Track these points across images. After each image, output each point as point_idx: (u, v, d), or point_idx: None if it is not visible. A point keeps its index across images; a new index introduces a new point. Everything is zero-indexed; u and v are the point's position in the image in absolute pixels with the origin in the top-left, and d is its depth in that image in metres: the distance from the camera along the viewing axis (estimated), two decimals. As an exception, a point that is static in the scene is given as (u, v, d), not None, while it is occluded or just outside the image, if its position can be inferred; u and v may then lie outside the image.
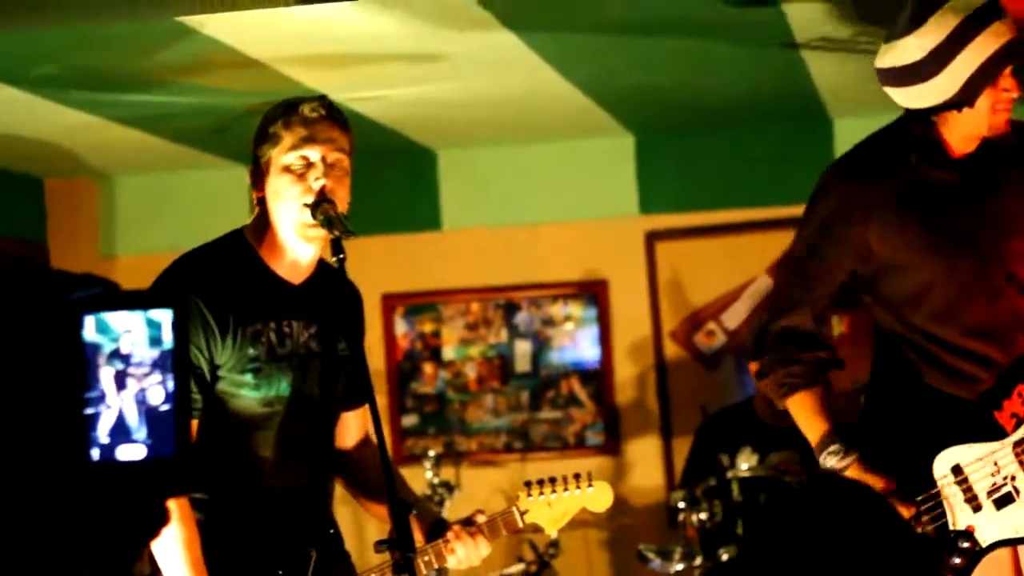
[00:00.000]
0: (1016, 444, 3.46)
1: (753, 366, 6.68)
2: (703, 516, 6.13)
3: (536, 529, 3.69)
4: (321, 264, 3.51)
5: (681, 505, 6.16)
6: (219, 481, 3.46)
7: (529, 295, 7.78)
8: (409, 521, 3.25)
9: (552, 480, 3.67)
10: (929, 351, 3.55)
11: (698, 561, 6.12)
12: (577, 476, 3.69)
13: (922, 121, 3.54)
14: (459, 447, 7.65)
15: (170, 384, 1.86)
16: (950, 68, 3.42)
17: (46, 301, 1.73)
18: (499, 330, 7.80)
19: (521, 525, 3.63)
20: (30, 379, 1.66)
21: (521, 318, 7.79)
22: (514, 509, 3.61)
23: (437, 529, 3.57)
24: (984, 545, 3.45)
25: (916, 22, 3.46)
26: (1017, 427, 3.47)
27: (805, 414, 3.66)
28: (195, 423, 3.31)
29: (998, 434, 3.49)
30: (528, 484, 3.67)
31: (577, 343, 7.75)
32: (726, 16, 5.18)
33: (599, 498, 3.71)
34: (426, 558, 3.48)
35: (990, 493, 3.47)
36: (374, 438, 3.75)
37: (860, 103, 7.08)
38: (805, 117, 7.41)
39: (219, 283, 3.45)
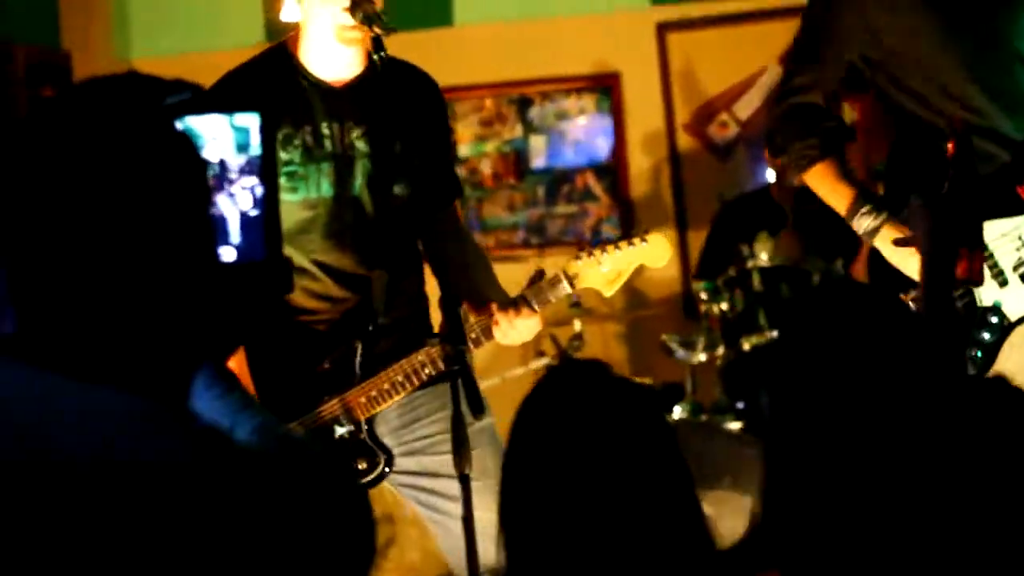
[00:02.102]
0: (1042, 216, 3.49)
1: (773, 160, 6.71)
2: (724, 306, 6.18)
3: (588, 294, 3.57)
4: (381, 61, 3.43)
5: (703, 296, 6.21)
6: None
7: (542, 89, 7.74)
8: (459, 315, 3.25)
9: (608, 240, 3.53)
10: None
11: (720, 350, 6.19)
12: (631, 232, 3.56)
13: None
14: (479, 245, 7.67)
15: (259, 190, 1.88)
16: None
17: (150, 107, 1.73)
18: (513, 126, 7.78)
19: (570, 290, 3.51)
20: (157, 184, 1.67)
21: (535, 113, 7.77)
22: (561, 274, 3.50)
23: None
24: (1012, 319, 3.49)
25: None
26: (1042, 200, 3.50)
27: (828, 183, 3.65)
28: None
29: (1021, 208, 3.51)
30: (579, 246, 3.53)
31: (591, 137, 7.74)
32: None
33: (655, 252, 3.54)
34: (473, 335, 3.46)
35: (1016, 267, 3.50)
36: (465, 237, 3.75)
37: None
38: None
39: (253, 91, 3.45)
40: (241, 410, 1.87)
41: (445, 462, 3.36)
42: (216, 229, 1.79)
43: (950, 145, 3.12)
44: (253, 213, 1.87)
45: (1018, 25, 3.54)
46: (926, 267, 3.54)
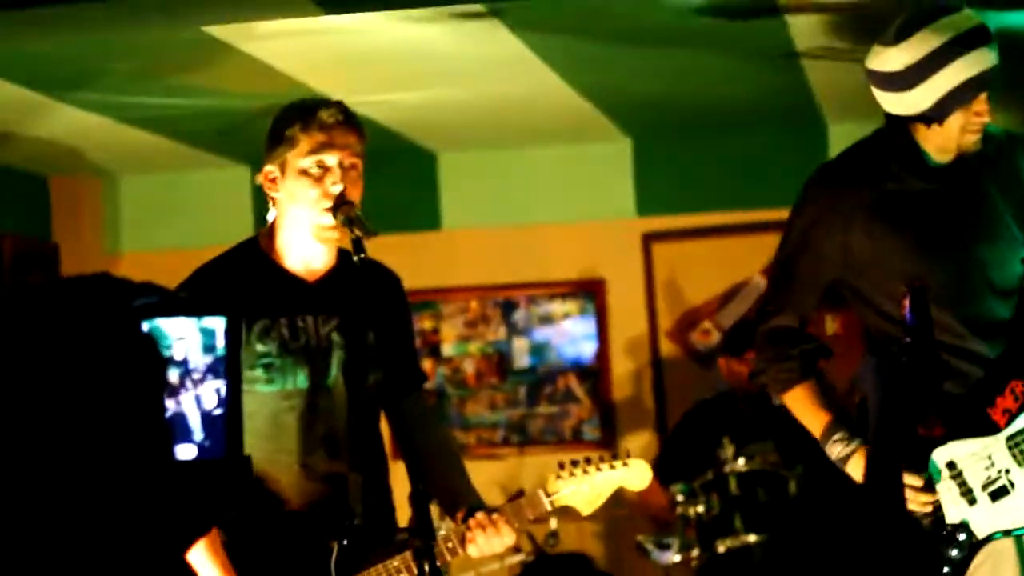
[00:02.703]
0: (1009, 438, 3.56)
1: (722, 361, 6.84)
2: (700, 509, 6.24)
3: (567, 512, 3.57)
4: (347, 259, 3.51)
5: (679, 498, 6.26)
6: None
7: (528, 293, 7.90)
8: (428, 508, 3.24)
9: (587, 460, 3.54)
10: None
11: (695, 552, 6.24)
12: (614, 454, 3.59)
13: (899, 128, 3.65)
14: (458, 441, 7.74)
15: (223, 389, 1.97)
16: (926, 84, 3.51)
17: (116, 308, 1.82)
18: (498, 327, 7.91)
19: (549, 508, 3.54)
20: (116, 380, 1.75)
21: (519, 316, 7.90)
22: (540, 492, 3.52)
23: (471, 515, 3.51)
24: (980, 537, 3.54)
25: (903, 35, 3.56)
26: (1009, 422, 3.57)
27: (804, 406, 3.73)
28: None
29: (991, 429, 3.57)
30: (561, 465, 3.54)
31: (575, 341, 7.87)
32: (730, 27, 5.27)
33: (636, 476, 3.57)
34: (449, 544, 3.48)
35: (985, 486, 3.56)
36: (435, 427, 3.80)
37: (855, 108, 7.16)
38: (800, 122, 7.52)
39: (228, 285, 3.54)
40: None
41: None
42: (176, 426, 1.88)
43: (905, 301, 3.20)
44: (216, 412, 1.95)
45: (992, 255, 3.66)
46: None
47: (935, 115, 3.55)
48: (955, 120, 3.56)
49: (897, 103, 3.59)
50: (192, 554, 3.40)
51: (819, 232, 3.67)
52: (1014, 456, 3.55)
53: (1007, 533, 3.54)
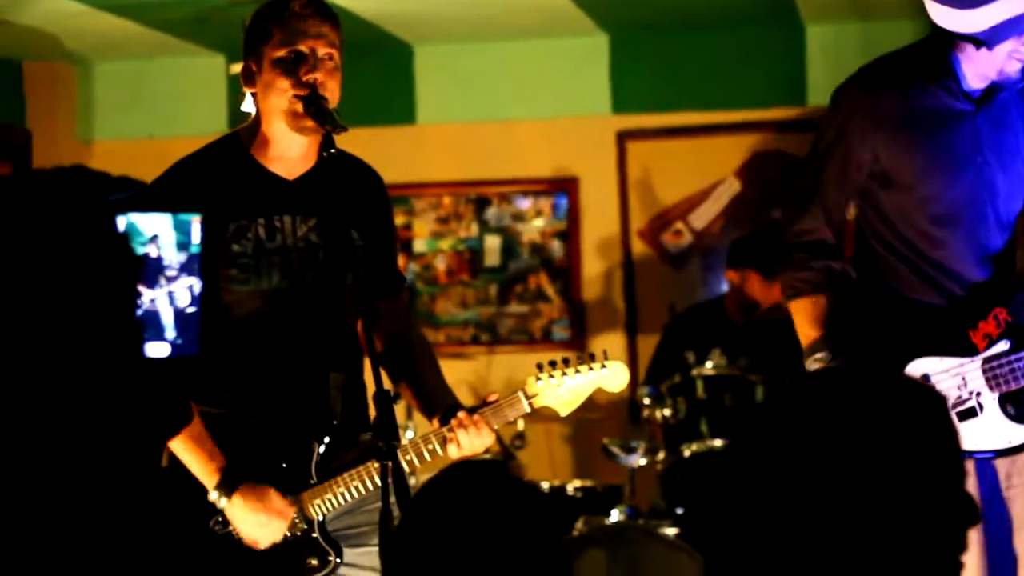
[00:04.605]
0: (985, 361, 3.60)
1: (730, 272, 6.84)
2: (667, 412, 6.26)
3: (547, 412, 3.58)
4: (329, 157, 3.47)
5: (646, 401, 6.28)
6: (222, 376, 3.54)
7: (500, 190, 7.86)
8: (392, 410, 3.24)
9: (565, 361, 3.57)
10: (914, 262, 3.68)
11: (661, 456, 6.26)
12: (592, 356, 3.60)
13: (943, 43, 3.64)
14: (427, 339, 7.73)
15: (196, 287, 1.94)
16: (988, 7, 3.51)
17: (91, 202, 1.79)
18: (470, 224, 7.89)
19: (529, 410, 3.57)
20: (86, 276, 1.73)
21: (492, 213, 7.88)
22: (520, 394, 3.55)
23: (450, 415, 3.52)
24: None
25: None
26: (989, 347, 3.61)
27: (801, 319, 3.77)
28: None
29: (970, 351, 3.62)
30: (539, 366, 3.56)
31: (546, 239, 7.85)
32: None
33: (613, 378, 3.59)
34: (430, 446, 3.50)
35: (954, 406, 3.60)
36: (411, 328, 3.79)
37: (833, 10, 7.16)
38: (778, 21, 7.47)
39: (204, 183, 3.51)
40: None
41: (366, 554, 3.52)
42: (149, 324, 1.86)
43: None
44: (190, 310, 1.93)
45: (1004, 185, 3.70)
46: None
47: (988, 38, 3.56)
48: (1005, 47, 3.57)
49: (955, 20, 3.58)
50: (176, 445, 3.42)
51: (852, 136, 3.70)
52: (987, 380, 3.59)
53: (969, 455, 3.58)
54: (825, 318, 3.74)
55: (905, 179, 3.65)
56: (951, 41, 3.63)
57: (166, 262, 1.92)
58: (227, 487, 3.47)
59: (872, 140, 3.66)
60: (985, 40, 3.56)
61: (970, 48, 3.60)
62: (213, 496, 3.47)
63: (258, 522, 3.50)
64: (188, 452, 3.45)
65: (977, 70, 3.63)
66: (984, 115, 3.67)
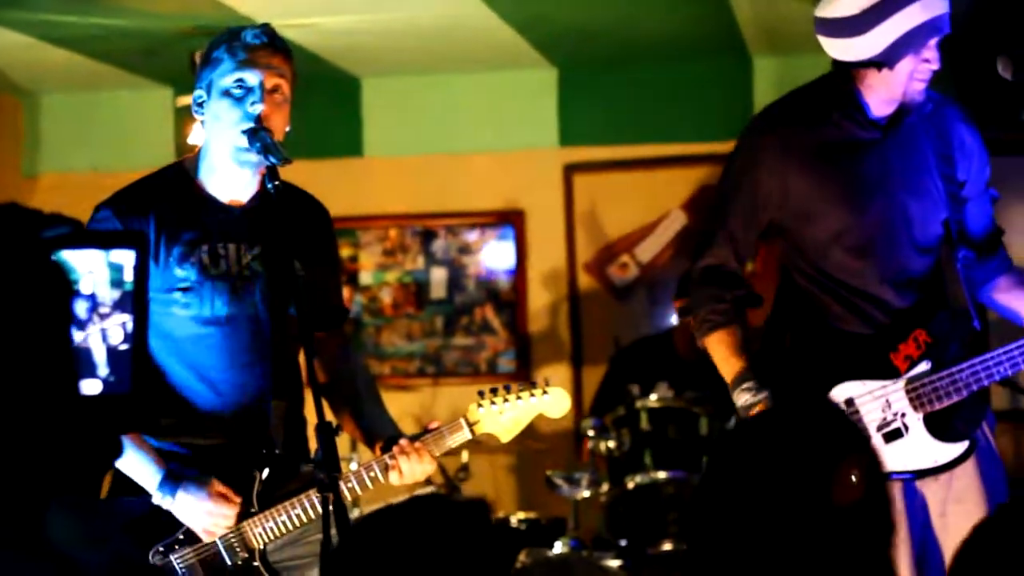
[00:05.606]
0: (908, 382, 3.66)
1: (678, 303, 6.86)
2: (611, 444, 6.28)
3: (489, 439, 3.60)
4: (274, 188, 3.46)
5: (590, 433, 6.30)
6: (162, 404, 3.54)
7: (447, 223, 7.88)
8: (334, 441, 3.26)
9: (507, 388, 3.59)
10: (836, 292, 3.73)
11: (605, 488, 6.28)
12: (533, 382, 3.63)
13: (844, 77, 3.70)
14: (373, 370, 7.74)
15: (129, 324, 1.95)
16: (879, 28, 3.58)
17: (23, 239, 1.79)
18: (416, 257, 7.90)
19: (470, 437, 3.57)
20: (17, 313, 1.73)
21: (438, 245, 7.89)
22: (462, 420, 3.56)
23: (391, 444, 3.54)
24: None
25: None
26: (910, 368, 3.67)
27: (723, 352, 3.79)
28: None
29: (892, 374, 3.68)
30: (481, 393, 3.57)
31: (493, 272, 7.88)
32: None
33: (555, 404, 3.61)
34: (371, 474, 3.51)
35: (880, 428, 3.66)
36: (353, 360, 3.81)
37: (780, 42, 7.22)
38: (725, 54, 7.53)
39: (150, 206, 3.52)
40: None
41: None
42: (81, 361, 1.86)
43: None
44: (123, 348, 1.93)
45: (918, 211, 3.74)
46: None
47: (886, 59, 3.61)
48: (905, 66, 3.63)
49: (847, 49, 3.64)
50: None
51: (760, 171, 3.74)
52: (911, 400, 3.66)
53: (896, 475, 3.63)
54: (744, 347, 3.77)
55: (817, 211, 3.70)
56: (852, 74, 3.69)
57: (99, 299, 1.92)
58: (170, 485, 3.48)
59: (781, 174, 3.71)
60: (884, 60, 3.62)
61: (872, 76, 3.66)
62: (157, 498, 3.48)
63: (206, 510, 3.50)
64: (128, 460, 3.46)
65: (881, 96, 3.69)
66: (892, 141, 3.72)
